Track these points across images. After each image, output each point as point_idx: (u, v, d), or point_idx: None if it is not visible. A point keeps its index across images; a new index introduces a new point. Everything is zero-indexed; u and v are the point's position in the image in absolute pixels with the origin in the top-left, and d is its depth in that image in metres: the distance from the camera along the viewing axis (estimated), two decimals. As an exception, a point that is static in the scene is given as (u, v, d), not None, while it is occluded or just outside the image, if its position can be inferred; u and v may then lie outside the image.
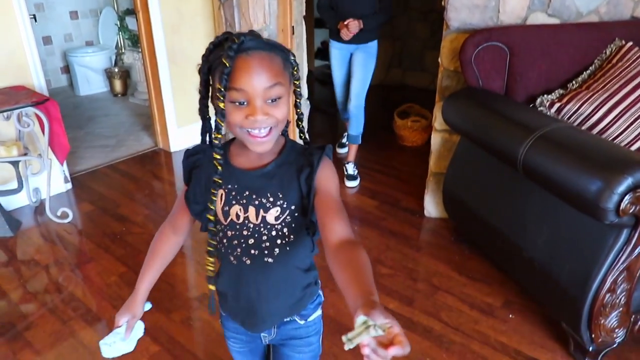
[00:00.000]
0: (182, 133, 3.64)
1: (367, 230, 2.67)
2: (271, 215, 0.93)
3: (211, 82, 0.89)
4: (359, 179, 3.21)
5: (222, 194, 0.96)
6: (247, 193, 0.93)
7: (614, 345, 1.77)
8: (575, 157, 1.59)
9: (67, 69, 5.26)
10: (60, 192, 3.05)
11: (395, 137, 3.85)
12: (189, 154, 1.00)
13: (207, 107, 0.93)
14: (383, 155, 3.61)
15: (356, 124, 3.12)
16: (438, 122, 2.56)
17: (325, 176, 0.92)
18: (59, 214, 2.75)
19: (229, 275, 1.02)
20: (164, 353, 1.86)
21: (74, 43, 5.26)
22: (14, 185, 2.69)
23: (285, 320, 1.07)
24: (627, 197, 1.45)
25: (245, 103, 0.83)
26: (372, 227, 2.69)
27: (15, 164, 2.55)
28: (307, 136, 1.02)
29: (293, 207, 0.93)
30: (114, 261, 2.42)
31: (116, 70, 5.01)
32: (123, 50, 5.17)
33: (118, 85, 5.01)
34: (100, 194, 3.09)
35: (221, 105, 0.83)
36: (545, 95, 2.18)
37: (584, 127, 2.06)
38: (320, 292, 1.13)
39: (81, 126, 4.18)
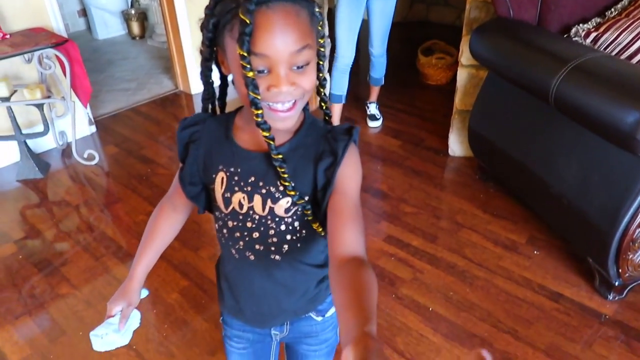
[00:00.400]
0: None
1: (391, 169, 2.65)
2: (280, 207, 0.79)
3: (218, 42, 0.73)
4: (381, 119, 3.13)
5: (222, 178, 0.81)
6: (252, 179, 0.78)
7: (641, 280, 1.76)
8: (611, 87, 1.51)
9: (84, 12, 5.18)
10: (85, 135, 3.09)
11: (419, 75, 3.74)
12: (186, 125, 0.84)
13: (211, 70, 0.79)
14: (406, 94, 3.52)
15: (379, 67, 2.95)
16: (465, 57, 2.46)
17: (349, 172, 0.76)
18: (85, 156, 2.80)
19: (231, 268, 0.90)
20: (193, 287, 1.93)
21: (89, -16, 5.15)
22: (40, 128, 2.73)
23: (299, 317, 0.95)
24: (665, 127, 1.38)
25: (265, 71, 0.67)
26: (395, 167, 2.67)
27: (40, 106, 2.57)
28: (329, 108, 0.85)
29: (306, 199, 0.78)
30: (141, 201, 2.48)
31: (133, 12, 4.91)
32: (138, -9, 5.05)
33: (136, 27, 4.93)
34: (124, 136, 3.12)
35: (249, 74, 0.65)
36: (580, 25, 2.06)
37: (621, 57, 1.95)
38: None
39: (101, 70, 4.17)
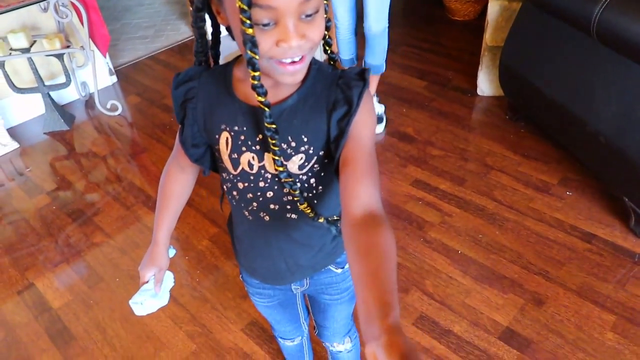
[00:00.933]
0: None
1: (416, 112, 2.58)
2: (294, 164, 0.74)
3: None
4: (385, 120, 2.47)
5: (227, 138, 0.75)
6: (261, 137, 0.73)
7: (680, 219, 1.70)
8: (660, 15, 1.40)
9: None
10: (107, 85, 3.07)
11: (444, 10, 3.55)
12: (179, 81, 0.77)
13: (204, 20, 0.72)
14: (431, 31, 3.36)
15: (379, 50, 2.24)
16: (496, -13, 2.30)
17: (364, 120, 0.69)
18: (108, 106, 2.79)
19: (244, 229, 0.88)
20: (222, 234, 1.96)
21: None
22: (62, 79, 2.72)
23: (318, 271, 0.93)
24: None
25: (271, 24, 0.60)
26: (421, 109, 2.60)
27: (60, 57, 2.55)
28: (335, 53, 0.77)
29: (321, 153, 0.73)
30: (167, 150, 2.48)
31: (145, -46, 4.74)
32: None
33: (149, -29, 4.78)
34: (145, 85, 3.10)
35: (249, 31, 0.59)
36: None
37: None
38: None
39: (118, 18, 4.09)
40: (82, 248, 1.97)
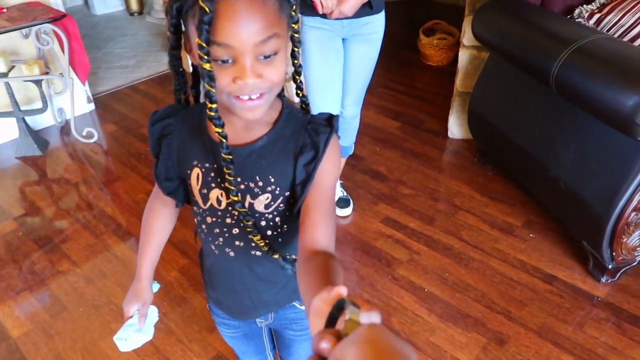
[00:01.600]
0: (201, 53, 3.57)
1: (389, 151, 2.65)
2: (260, 203, 0.77)
3: (183, 29, 0.68)
4: (351, 204, 2.22)
5: (198, 174, 0.78)
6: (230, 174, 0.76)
7: (634, 264, 1.78)
8: (612, 70, 1.51)
9: (81, -14, 5.11)
10: (84, 112, 3.08)
11: (420, 55, 3.71)
12: (157, 118, 0.80)
13: (179, 58, 0.75)
14: (406, 74, 3.50)
15: (351, 131, 2.02)
16: (467, 37, 2.44)
17: (329, 167, 0.73)
18: (84, 133, 2.79)
19: (211, 262, 0.90)
20: (192, 265, 1.95)
21: (86, -42, 5.06)
22: (39, 105, 2.72)
23: (282, 307, 0.95)
24: (664, 113, 1.39)
25: (230, 61, 0.63)
26: (394, 149, 2.67)
27: (38, 83, 2.56)
28: (306, 97, 0.81)
29: (287, 194, 0.77)
30: (141, 179, 2.48)
31: (131, -13, 4.84)
32: (137, -35, 4.96)
33: (134, 3, 4.86)
34: (122, 114, 3.11)
35: (206, 66, 0.62)
36: (584, 6, 2.04)
37: (624, 39, 1.94)
38: None
39: (100, 46, 4.13)
40: (47, 276, 1.93)
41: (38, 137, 2.74)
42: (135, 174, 2.53)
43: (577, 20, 2.01)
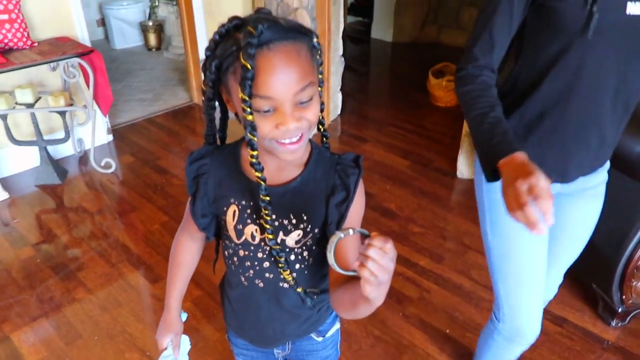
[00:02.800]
0: (217, 88, 3.69)
1: (399, 189, 2.71)
2: (291, 239, 0.83)
3: (222, 82, 0.74)
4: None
5: (234, 211, 0.84)
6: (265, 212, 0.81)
7: (644, 308, 1.80)
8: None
9: (102, 22, 5.31)
10: (102, 143, 3.16)
11: (429, 96, 3.81)
12: (193, 159, 0.86)
13: (214, 108, 0.82)
14: (416, 114, 3.59)
15: None
16: (476, 82, 2.52)
17: (358, 208, 0.81)
18: (102, 164, 2.87)
19: (239, 293, 0.94)
20: (205, 297, 1.98)
21: (109, -5, 5.29)
22: (61, 135, 2.80)
23: (301, 338, 1.00)
24: (671, 162, 1.44)
25: (271, 110, 0.69)
26: (404, 187, 2.73)
27: (62, 114, 2.65)
28: (327, 131, 0.87)
29: (316, 231, 0.83)
30: (156, 210, 2.54)
31: (150, 23, 5.03)
32: (157, 3, 5.17)
33: (152, 39, 5.05)
34: (140, 146, 3.19)
35: (249, 117, 0.68)
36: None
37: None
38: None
39: (119, 79, 4.26)
40: (63, 303, 1.96)
41: (58, 166, 2.82)
42: (151, 205, 2.59)
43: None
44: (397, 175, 2.84)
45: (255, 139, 0.70)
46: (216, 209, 0.87)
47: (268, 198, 0.76)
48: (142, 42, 5.24)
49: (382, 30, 5.23)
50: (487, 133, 0.94)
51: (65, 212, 2.56)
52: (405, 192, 2.68)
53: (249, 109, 0.67)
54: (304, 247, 0.84)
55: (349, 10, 5.52)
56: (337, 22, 3.18)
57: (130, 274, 2.11)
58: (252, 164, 0.74)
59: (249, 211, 0.83)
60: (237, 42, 0.68)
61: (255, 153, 0.72)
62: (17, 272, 2.13)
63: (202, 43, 3.51)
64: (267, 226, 0.79)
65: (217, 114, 0.85)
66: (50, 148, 2.81)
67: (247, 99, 0.66)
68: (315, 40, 0.73)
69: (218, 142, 0.90)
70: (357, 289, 0.64)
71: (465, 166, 2.77)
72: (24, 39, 2.50)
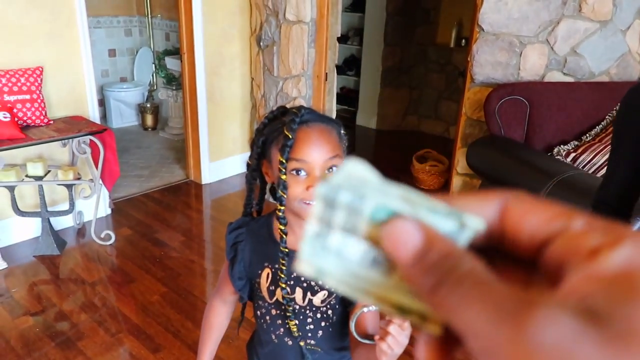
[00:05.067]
0: (213, 167, 3.87)
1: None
2: (318, 299, 0.94)
3: (265, 155, 0.89)
4: None
5: (268, 273, 0.95)
6: (295, 274, 0.92)
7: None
8: (589, 200, 1.78)
9: (101, 102, 5.57)
10: (101, 216, 3.24)
11: (413, 179, 4.06)
12: (232, 228, 0.99)
13: (256, 179, 0.94)
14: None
15: None
16: (460, 165, 2.77)
17: None
18: (102, 236, 2.94)
19: (269, 350, 1.03)
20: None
21: (110, 78, 5.60)
22: (64, 207, 2.89)
23: None
24: None
25: (304, 174, 0.83)
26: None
27: (69, 187, 2.76)
28: None
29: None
30: (155, 282, 2.59)
31: (148, 105, 5.30)
32: (156, 87, 5.49)
33: (149, 119, 5.29)
34: (137, 219, 3.28)
35: (283, 177, 0.82)
36: (561, 146, 2.40)
37: (597, 175, 2.27)
38: None
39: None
40: (63, 372, 1.96)
41: (58, 237, 2.87)
42: (149, 276, 2.64)
43: (556, 157, 2.36)
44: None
45: (285, 195, 0.84)
46: (251, 273, 0.99)
47: (286, 249, 0.89)
48: (139, 122, 5.48)
49: (366, 118, 5.62)
50: None
51: (64, 282, 2.59)
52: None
53: (284, 170, 0.82)
54: (328, 306, 0.95)
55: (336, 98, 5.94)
56: (331, 110, 3.47)
57: (130, 343, 2.13)
58: (277, 217, 0.87)
59: (277, 274, 0.95)
60: (282, 122, 0.86)
61: (282, 207, 0.86)
62: (15, 341, 2.12)
63: (203, 124, 3.74)
64: (283, 278, 0.91)
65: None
66: (52, 219, 2.88)
67: (284, 161, 0.81)
68: (342, 129, 0.91)
69: (255, 214, 1.04)
70: (373, 353, 0.78)
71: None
72: (42, 117, 2.67)
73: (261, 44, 3.44)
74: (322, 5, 3.03)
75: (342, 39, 4.85)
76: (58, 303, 2.39)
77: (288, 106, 0.92)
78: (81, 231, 3.07)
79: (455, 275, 0.17)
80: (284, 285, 0.92)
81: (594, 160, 2.27)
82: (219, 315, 1.10)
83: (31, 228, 2.93)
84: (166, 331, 2.21)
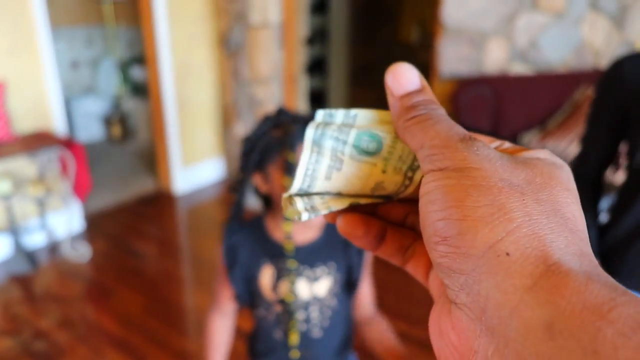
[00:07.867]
0: (186, 174, 3.84)
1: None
2: (322, 289, 0.98)
3: (261, 170, 0.94)
4: None
5: (269, 270, 0.99)
6: (297, 267, 0.97)
7: None
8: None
9: (66, 115, 5.44)
10: (74, 230, 3.18)
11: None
12: (228, 234, 1.02)
13: (244, 187, 0.98)
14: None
15: None
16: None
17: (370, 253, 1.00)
18: (75, 251, 2.88)
19: (270, 347, 1.04)
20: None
21: (73, 90, 5.48)
22: (34, 223, 2.82)
23: None
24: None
25: None
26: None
27: (39, 202, 2.70)
28: None
29: (339, 277, 0.99)
30: (134, 293, 2.56)
31: (115, 116, 5.21)
32: (122, 98, 5.40)
33: (117, 130, 5.21)
34: (111, 232, 3.23)
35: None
36: (526, 133, 2.49)
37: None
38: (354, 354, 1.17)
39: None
40: (45, 391, 1.91)
41: (30, 254, 2.80)
42: (127, 289, 2.60)
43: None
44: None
45: None
46: (251, 273, 1.01)
47: (295, 264, 0.94)
48: (106, 134, 5.38)
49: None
50: None
51: (40, 300, 2.52)
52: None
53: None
54: (331, 295, 0.99)
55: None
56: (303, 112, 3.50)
57: (113, 356, 2.10)
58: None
59: (282, 270, 0.99)
60: (278, 140, 0.89)
61: (292, 224, 0.94)
62: (-7, 364, 2.06)
63: (173, 131, 3.71)
64: (293, 265, 0.96)
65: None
66: (22, 237, 2.81)
67: (288, 178, 0.88)
68: None
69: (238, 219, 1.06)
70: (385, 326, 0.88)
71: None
72: (7, 133, 2.60)
73: (229, 49, 3.44)
74: (288, 8, 3.06)
75: (307, 41, 4.88)
76: (35, 321, 2.34)
77: (276, 113, 0.94)
78: (55, 247, 3.00)
79: (430, 113, 0.23)
80: (289, 281, 0.96)
81: (559, 146, 2.37)
82: (219, 329, 1.09)
83: (1, 248, 2.85)
84: (149, 341, 2.18)
